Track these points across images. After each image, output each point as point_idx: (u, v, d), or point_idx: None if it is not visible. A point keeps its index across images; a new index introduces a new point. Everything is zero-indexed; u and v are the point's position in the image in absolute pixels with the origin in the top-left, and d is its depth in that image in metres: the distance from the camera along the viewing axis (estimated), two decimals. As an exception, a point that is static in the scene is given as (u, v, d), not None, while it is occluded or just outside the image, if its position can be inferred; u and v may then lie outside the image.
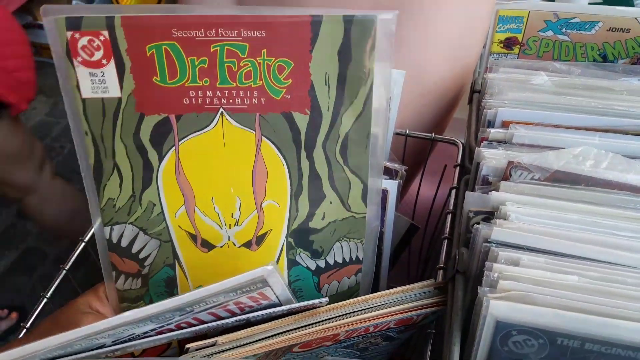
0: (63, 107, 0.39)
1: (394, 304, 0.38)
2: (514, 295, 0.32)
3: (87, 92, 0.39)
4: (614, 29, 0.57)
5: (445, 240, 0.45)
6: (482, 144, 0.42)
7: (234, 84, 0.38)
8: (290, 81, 0.38)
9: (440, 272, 0.43)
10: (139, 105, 0.39)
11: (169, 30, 0.37)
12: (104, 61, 0.38)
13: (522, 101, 0.45)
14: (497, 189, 0.39)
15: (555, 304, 0.31)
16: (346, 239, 0.44)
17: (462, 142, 0.53)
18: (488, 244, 0.35)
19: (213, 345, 0.35)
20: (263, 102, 0.39)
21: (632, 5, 0.64)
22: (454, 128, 0.68)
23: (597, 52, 0.59)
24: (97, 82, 0.39)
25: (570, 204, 0.37)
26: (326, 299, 0.38)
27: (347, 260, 0.45)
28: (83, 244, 0.49)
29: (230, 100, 0.39)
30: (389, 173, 0.47)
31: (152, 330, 0.36)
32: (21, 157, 1.16)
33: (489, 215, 0.38)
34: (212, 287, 0.34)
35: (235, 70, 0.38)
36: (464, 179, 0.48)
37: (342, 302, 0.38)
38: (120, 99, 0.39)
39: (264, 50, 0.37)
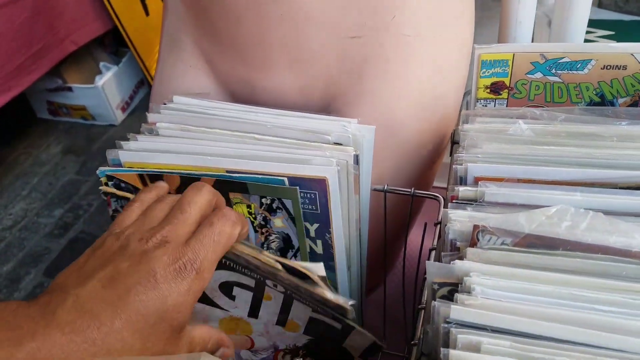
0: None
1: None
2: (471, 391, 0.27)
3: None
4: (608, 67, 0.53)
5: (422, 312, 0.41)
6: (449, 203, 0.39)
7: None
8: None
9: (414, 350, 0.39)
10: None
11: None
12: None
13: (495, 154, 0.41)
14: (463, 257, 0.35)
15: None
16: None
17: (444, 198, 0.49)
18: (447, 325, 0.31)
19: None
20: None
21: None
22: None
23: (594, 92, 0.55)
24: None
25: (543, 273, 0.32)
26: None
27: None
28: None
29: None
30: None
31: None
32: None
33: (455, 288, 0.34)
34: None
35: None
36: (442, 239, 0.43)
37: None
38: None
39: None
